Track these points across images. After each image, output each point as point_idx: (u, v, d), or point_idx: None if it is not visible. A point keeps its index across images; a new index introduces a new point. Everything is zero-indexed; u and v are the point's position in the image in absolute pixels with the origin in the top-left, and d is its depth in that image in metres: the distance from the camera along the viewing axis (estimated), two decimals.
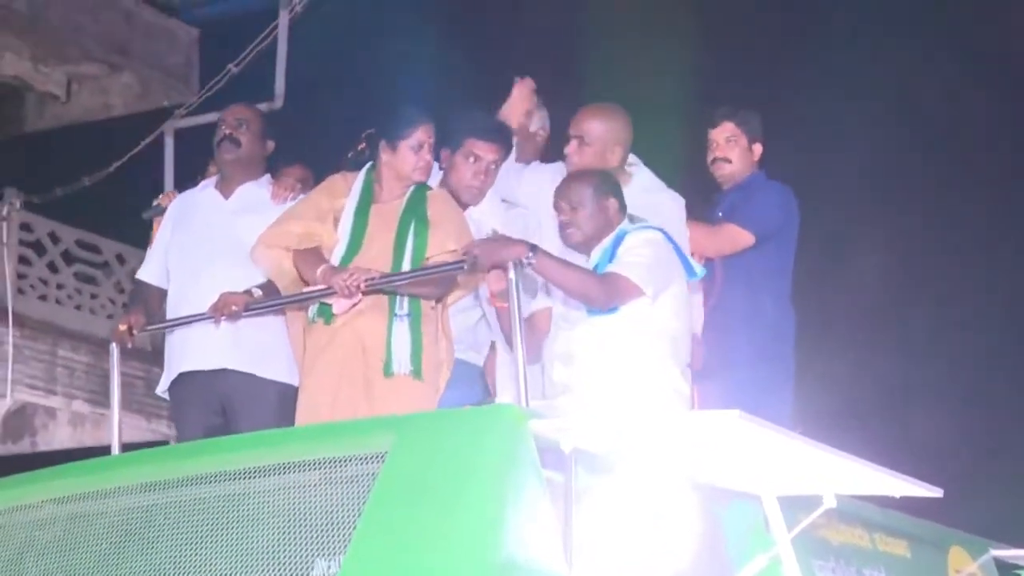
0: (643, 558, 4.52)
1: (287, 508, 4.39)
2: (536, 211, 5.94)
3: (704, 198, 6.42)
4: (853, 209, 13.74)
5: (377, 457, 4.31)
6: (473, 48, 14.05)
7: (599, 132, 5.91)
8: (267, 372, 5.91)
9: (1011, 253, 14.07)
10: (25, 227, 14.04)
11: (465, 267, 5.20)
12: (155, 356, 6.26)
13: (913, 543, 6.06)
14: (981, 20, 14.06)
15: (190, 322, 5.89)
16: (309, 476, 4.41)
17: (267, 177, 6.24)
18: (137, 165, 13.83)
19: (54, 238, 14.29)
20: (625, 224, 5.44)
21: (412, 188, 5.72)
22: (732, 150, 6.42)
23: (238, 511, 4.45)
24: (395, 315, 5.51)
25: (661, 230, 5.43)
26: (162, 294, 6.22)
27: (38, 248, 14.15)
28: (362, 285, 5.36)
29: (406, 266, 5.55)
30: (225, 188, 6.22)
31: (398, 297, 5.52)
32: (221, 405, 5.95)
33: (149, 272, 6.30)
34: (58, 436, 14.10)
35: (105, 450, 5.93)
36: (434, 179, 5.83)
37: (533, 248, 5.06)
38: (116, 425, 5.80)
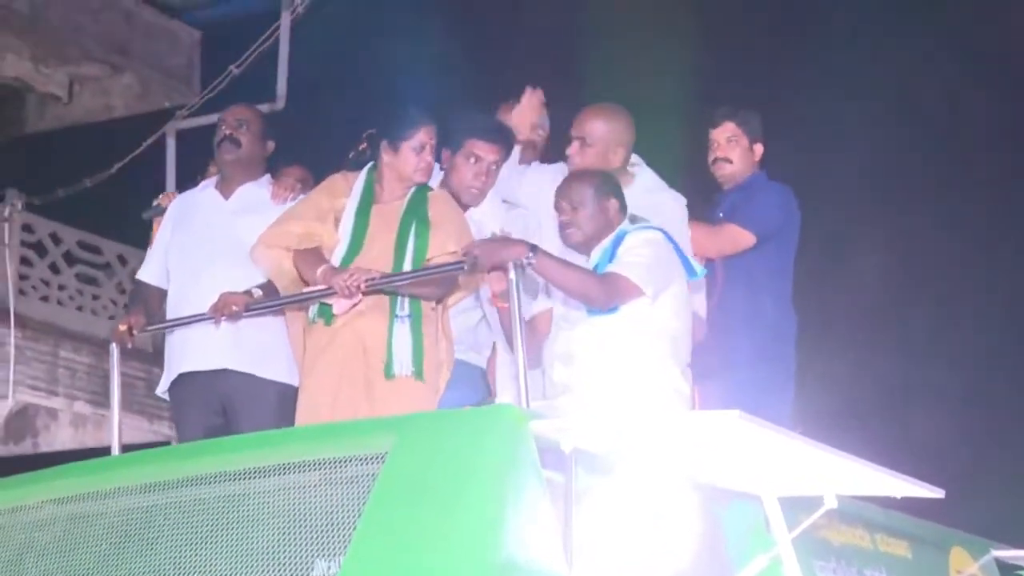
0: (643, 558, 4.51)
1: (287, 509, 4.39)
2: (537, 212, 5.93)
3: (705, 198, 6.42)
4: (853, 209, 13.74)
5: (377, 458, 4.31)
6: (474, 48, 14.06)
7: (601, 133, 5.91)
8: (267, 372, 5.91)
9: (1011, 253, 14.07)
10: (27, 228, 14.05)
11: (465, 267, 5.20)
12: (156, 357, 6.27)
13: (914, 544, 6.05)
14: (981, 20, 14.06)
15: (190, 322, 5.89)
16: (309, 476, 4.40)
17: (267, 177, 6.24)
18: (139, 166, 13.84)
19: (56, 239, 14.29)
20: (625, 224, 5.44)
21: (413, 189, 5.71)
22: (733, 150, 6.42)
23: (238, 511, 4.44)
24: (396, 316, 5.51)
25: (661, 230, 5.43)
26: (162, 294, 6.22)
27: (40, 249, 14.16)
28: (362, 285, 5.36)
29: (407, 267, 5.54)
30: (225, 188, 6.22)
31: (399, 298, 5.51)
32: (221, 405, 5.95)
33: (149, 272, 6.31)
34: (60, 437, 14.11)
35: (106, 451, 5.92)
36: (434, 180, 5.83)
37: (533, 248, 5.06)
38: (116, 426, 5.81)
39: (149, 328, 6.04)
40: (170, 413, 6.43)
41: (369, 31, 14.77)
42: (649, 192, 5.93)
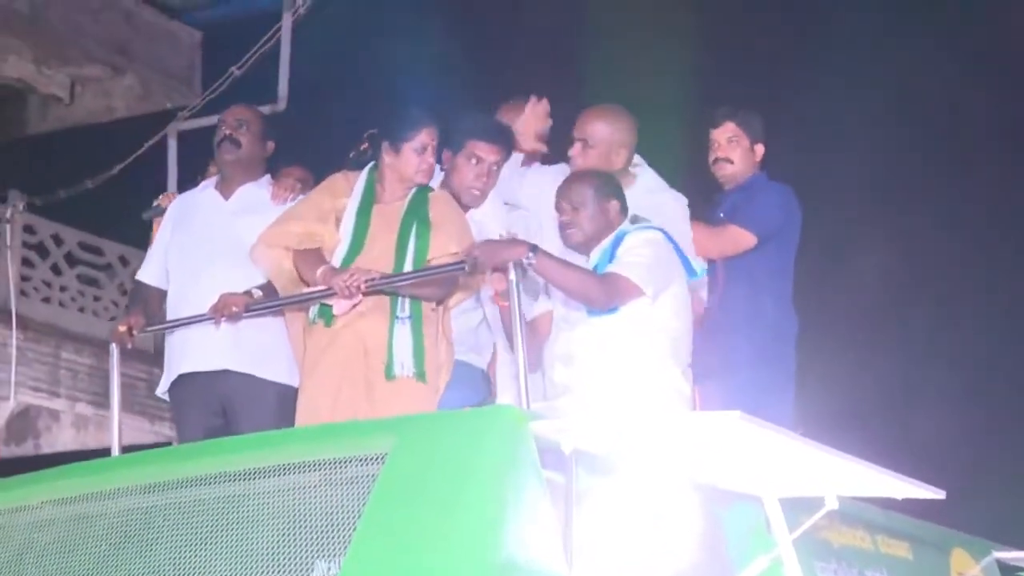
0: (644, 559, 4.51)
1: (287, 509, 4.38)
2: (537, 213, 5.93)
3: (705, 198, 6.41)
4: (854, 210, 13.74)
5: (377, 458, 4.30)
6: (475, 49, 14.05)
7: (603, 134, 5.90)
8: (267, 373, 5.91)
9: (1012, 253, 14.06)
10: (28, 229, 14.06)
11: (466, 268, 5.20)
12: (157, 358, 6.27)
13: (915, 545, 6.05)
14: (982, 20, 14.06)
15: (190, 323, 5.89)
16: (309, 477, 4.39)
17: (267, 178, 6.24)
18: (140, 167, 13.83)
19: (57, 240, 14.30)
20: (625, 224, 5.44)
21: (414, 189, 5.71)
22: (734, 150, 6.42)
23: (238, 512, 4.43)
24: (396, 317, 5.50)
25: (661, 230, 5.43)
26: (162, 295, 6.22)
27: (41, 250, 14.16)
28: (362, 286, 5.36)
29: (408, 268, 5.54)
30: (225, 189, 6.22)
31: (399, 299, 5.51)
32: (221, 406, 5.95)
33: (149, 273, 6.30)
34: (61, 438, 14.10)
35: (108, 452, 5.92)
36: (435, 180, 5.82)
37: (533, 249, 5.06)
38: (116, 426, 5.81)
39: (149, 329, 6.04)
40: (170, 414, 6.42)
41: (370, 32, 14.77)
42: (651, 192, 5.93)
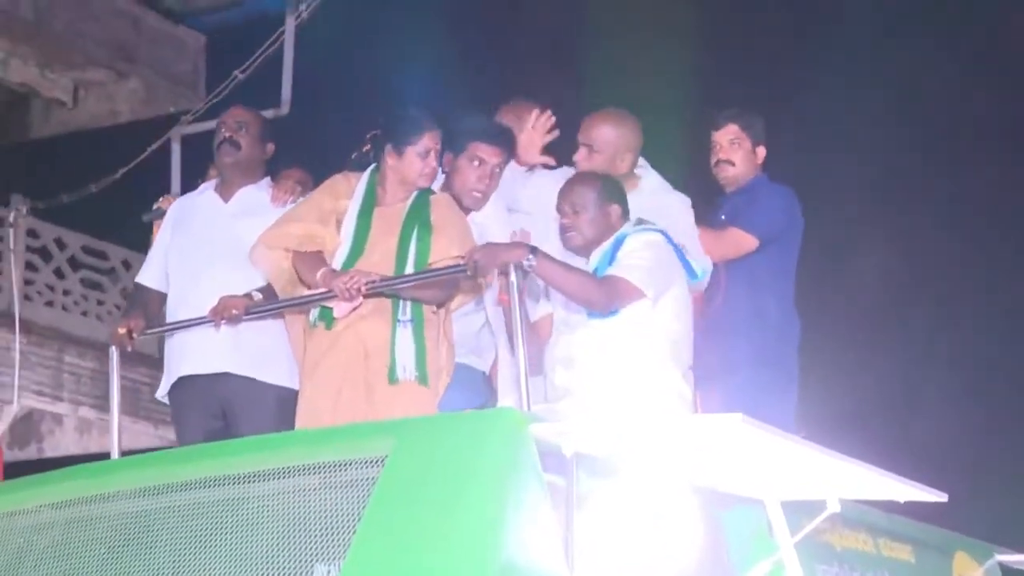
0: (645, 563, 4.49)
1: (287, 512, 4.37)
2: (538, 216, 5.91)
3: (707, 200, 6.40)
4: (856, 211, 13.73)
5: (377, 461, 4.29)
6: (477, 53, 14.07)
7: (609, 139, 5.89)
8: (267, 376, 5.90)
9: (1013, 254, 14.04)
10: (32, 233, 14.08)
11: (468, 271, 5.19)
12: (161, 362, 6.27)
13: (917, 548, 6.04)
14: (984, 20, 14.05)
15: (190, 325, 5.88)
16: (309, 480, 4.39)
17: (267, 180, 6.23)
18: (144, 172, 13.84)
19: (60, 244, 14.32)
20: (626, 227, 5.42)
21: (415, 192, 5.70)
22: (735, 152, 6.40)
23: (237, 515, 4.42)
24: (398, 320, 5.49)
25: (662, 232, 5.41)
26: (162, 298, 6.21)
27: (44, 254, 14.17)
28: (363, 288, 5.35)
29: (409, 271, 5.53)
30: (225, 191, 6.21)
31: (401, 302, 5.50)
32: (221, 409, 5.94)
33: (149, 276, 6.29)
34: (64, 442, 14.12)
35: (110, 456, 5.92)
36: (436, 183, 5.81)
37: (533, 251, 5.05)
38: (115, 429, 5.79)
39: (149, 331, 6.02)
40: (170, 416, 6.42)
41: (373, 36, 14.79)
42: (655, 194, 5.92)
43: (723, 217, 6.32)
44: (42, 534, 4.81)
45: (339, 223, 5.66)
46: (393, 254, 5.57)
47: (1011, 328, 13.86)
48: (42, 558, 4.74)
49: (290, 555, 4.27)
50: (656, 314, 5.25)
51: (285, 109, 13.17)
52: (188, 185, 6.62)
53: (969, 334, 14.02)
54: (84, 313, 14.36)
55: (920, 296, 14.09)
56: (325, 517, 4.28)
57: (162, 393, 6.15)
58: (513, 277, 4.91)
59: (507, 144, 5.84)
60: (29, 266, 14.01)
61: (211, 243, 6.05)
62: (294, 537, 4.30)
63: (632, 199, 5.64)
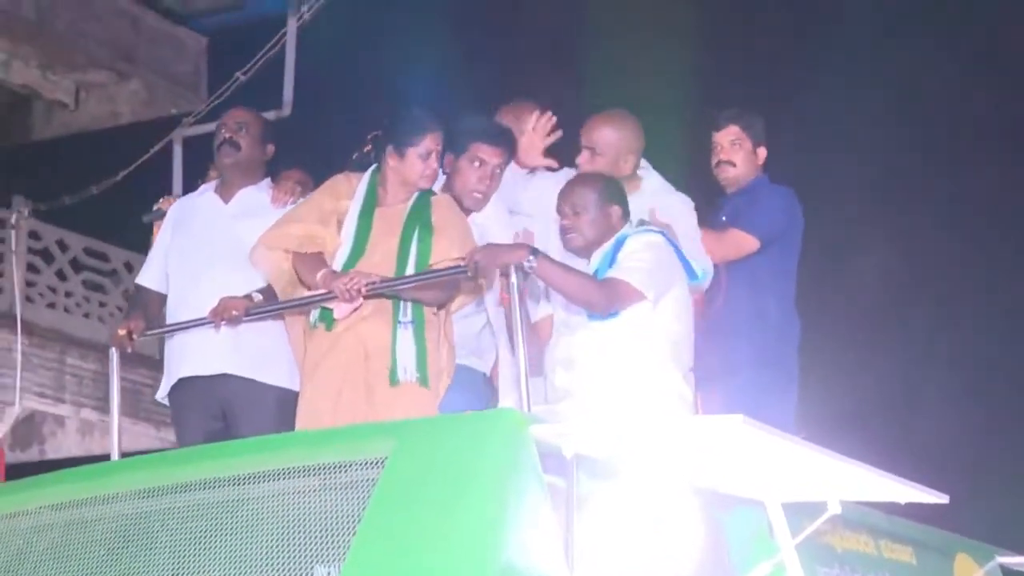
0: (645, 565, 4.49)
1: (286, 514, 4.36)
2: (539, 217, 5.90)
3: (708, 202, 6.39)
4: (856, 212, 13.72)
5: (377, 462, 4.28)
6: (480, 55, 14.06)
7: (611, 141, 5.88)
8: (267, 377, 5.89)
9: (1016, 254, 14.02)
10: (33, 235, 14.09)
11: (468, 272, 5.18)
12: (162, 363, 6.29)
13: (918, 549, 6.03)
14: (984, 20, 14.04)
15: (190, 327, 5.87)
16: (309, 481, 4.38)
17: (267, 181, 6.22)
18: (145, 173, 13.84)
19: (62, 246, 14.33)
20: (627, 228, 5.42)
21: (416, 193, 5.69)
22: (736, 153, 6.40)
23: (237, 517, 4.42)
24: (399, 322, 5.48)
25: (662, 233, 5.40)
26: (162, 299, 6.20)
27: (46, 256, 14.18)
28: (363, 289, 5.34)
29: (409, 272, 5.52)
30: (225, 192, 6.20)
31: (401, 303, 5.49)
32: (221, 410, 5.93)
33: (149, 277, 6.29)
34: (66, 444, 14.13)
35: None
36: (437, 184, 5.80)
37: (534, 252, 5.04)
38: (115, 431, 5.78)
39: (149, 332, 6.02)
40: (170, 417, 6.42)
41: (375, 38, 14.79)
42: (657, 195, 5.91)
43: (724, 218, 6.32)
44: (42, 535, 4.81)
45: (340, 224, 5.66)
46: (394, 255, 5.56)
47: (1012, 328, 13.85)
48: (42, 559, 4.73)
49: (290, 556, 4.27)
50: (656, 315, 5.24)
51: (287, 111, 13.17)
52: (190, 187, 6.62)
53: (969, 334, 14.01)
54: (86, 315, 14.36)
55: (920, 296, 14.08)
56: (325, 518, 4.27)
57: (162, 394, 6.14)
58: (514, 278, 4.90)
59: (508, 145, 5.84)
60: (31, 268, 14.02)
61: (211, 244, 6.04)
62: (294, 538, 4.29)
63: (634, 200, 5.63)
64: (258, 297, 5.72)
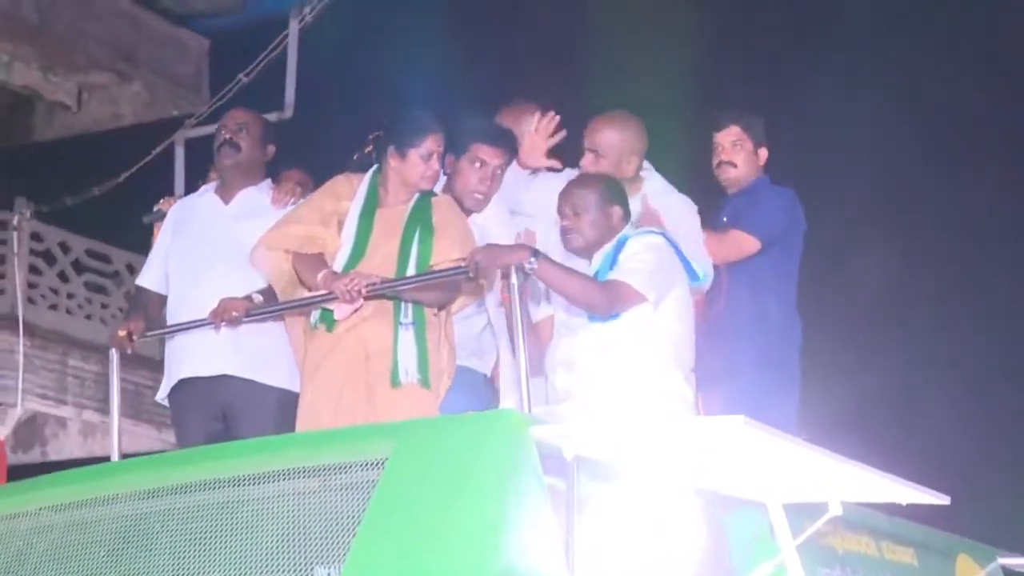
0: (646, 566, 4.48)
1: (287, 515, 4.37)
2: (541, 219, 5.90)
3: (708, 202, 6.38)
4: (856, 212, 13.70)
5: (377, 464, 4.29)
6: (482, 56, 14.05)
7: (614, 142, 5.88)
8: (268, 378, 5.89)
9: (1019, 256, 14.01)
10: (35, 237, 14.07)
11: (469, 273, 5.18)
12: (163, 365, 6.30)
13: (920, 551, 6.02)
14: (984, 20, 14.03)
15: (190, 328, 5.87)
16: (309, 483, 4.39)
17: (267, 182, 6.22)
18: (147, 175, 13.81)
19: (64, 248, 14.32)
20: (627, 229, 5.41)
21: (417, 194, 5.69)
22: (737, 154, 6.40)
23: (237, 518, 4.42)
24: (400, 323, 5.48)
25: (663, 234, 5.40)
26: (162, 300, 6.20)
27: (48, 258, 14.17)
28: (363, 290, 5.33)
29: (410, 273, 5.51)
30: (225, 193, 6.20)
31: (402, 305, 5.49)
32: (221, 411, 5.93)
33: (149, 278, 6.29)
34: (68, 446, 14.12)
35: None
36: (437, 184, 5.80)
37: (535, 253, 5.03)
38: (116, 432, 5.78)
39: (149, 333, 6.01)
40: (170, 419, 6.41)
41: (377, 40, 14.78)
42: (658, 196, 5.91)
43: (725, 219, 6.32)
44: (42, 536, 4.81)
45: (340, 224, 5.65)
46: (395, 256, 5.56)
47: (1013, 329, 13.84)
48: (42, 561, 4.73)
49: (290, 558, 4.27)
50: (658, 317, 5.23)
51: (289, 112, 13.15)
52: (191, 188, 6.62)
53: (971, 335, 14.00)
54: (88, 316, 14.35)
55: (920, 297, 14.07)
56: (325, 520, 4.27)
57: (162, 395, 6.14)
58: (514, 279, 4.90)
59: (509, 145, 5.84)
60: (33, 269, 14.01)
61: (211, 245, 6.04)
62: (294, 540, 4.30)
63: (635, 202, 5.63)
64: (258, 298, 5.71)
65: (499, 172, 5.80)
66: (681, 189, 6.06)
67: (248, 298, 5.71)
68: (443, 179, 5.85)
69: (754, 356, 6.05)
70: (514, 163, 6.02)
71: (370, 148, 5.88)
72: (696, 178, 6.41)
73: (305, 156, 6.69)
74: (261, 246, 5.69)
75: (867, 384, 12.80)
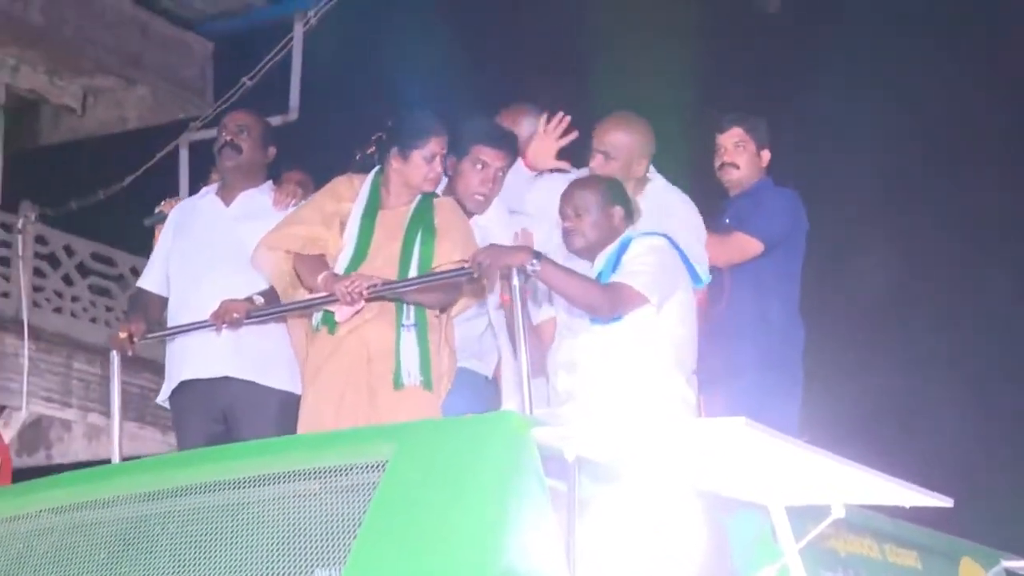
0: (647, 569, 4.47)
1: (287, 517, 4.36)
2: (543, 220, 5.89)
3: (710, 203, 6.38)
4: (858, 213, 13.70)
5: (378, 466, 4.28)
6: (486, 58, 14.06)
7: (624, 144, 5.87)
8: (269, 380, 5.88)
9: (1020, 257, 14.00)
10: (40, 240, 14.10)
11: (474, 273, 5.17)
12: None
13: (923, 554, 6.00)
14: (984, 21, 14.03)
15: (191, 330, 5.86)
16: (309, 485, 4.38)
17: (268, 183, 6.22)
18: (152, 178, 13.84)
19: (69, 251, 14.34)
20: (630, 230, 5.40)
21: (419, 196, 5.68)
22: (740, 155, 6.40)
23: (237, 520, 4.42)
24: (402, 325, 5.47)
25: (666, 236, 5.39)
26: (163, 302, 6.19)
27: (53, 261, 14.20)
28: (364, 292, 5.33)
29: (412, 275, 5.51)
30: (226, 195, 6.20)
31: (404, 306, 5.48)
32: (222, 413, 5.92)
33: (150, 280, 6.29)
34: (73, 449, 14.14)
35: None
36: (439, 186, 5.80)
37: (538, 255, 5.02)
38: (116, 434, 5.76)
39: (150, 335, 6.00)
40: (171, 421, 6.41)
41: (381, 42, 14.79)
42: (662, 197, 5.90)
43: (727, 221, 6.31)
44: (42, 539, 4.80)
45: (342, 225, 5.64)
46: (396, 258, 5.55)
47: (1013, 329, 13.83)
48: (42, 563, 4.73)
49: (291, 560, 4.26)
50: (660, 319, 5.22)
51: (294, 115, 13.18)
52: (196, 192, 6.61)
53: (975, 338, 14.00)
54: (93, 320, 14.37)
55: (923, 299, 14.08)
56: (326, 522, 4.27)
57: (163, 397, 6.13)
58: (515, 280, 4.89)
59: (510, 147, 5.84)
60: (38, 273, 14.03)
61: (212, 247, 6.04)
62: (295, 542, 4.29)
63: (640, 202, 5.63)
64: (259, 300, 5.70)
65: (500, 174, 5.79)
66: (683, 191, 6.05)
67: (249, 300, 5.70)
68: (444, 180, 5.84)
69: (757, 357, 6.04)
70: (520, 164, 6.02)
71: (372, 149, 5.87)
72: (698, 180, 6.40)
73: (310, 159, 6.68)
74: (262, 247, 5.68)
75: (868, 385, 12.80)
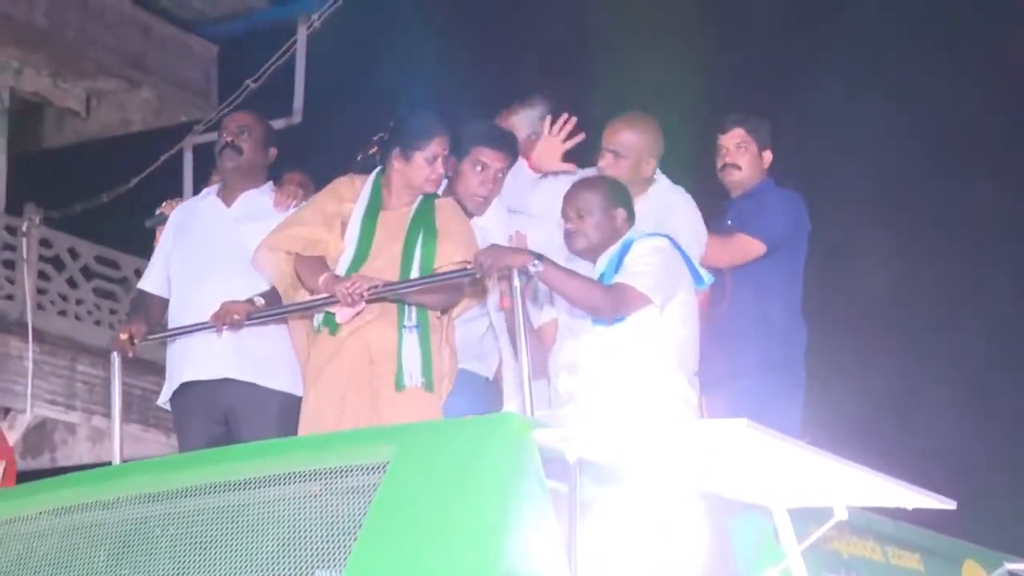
0: (649, 570, 4.46)
1: (288, 518, 4.35)
2: (546, 221, 5.88)
3: (712, 204, 6.37)
4: (858, 213, 13.70)
5: (378, 467, 4.28)
6: (489, 60, 14.07)
7: (633, 143, 5.88)
8: (270, 382, 5.87)
9: (1020, 257, 13.99)
10: (44, 243, 14.13)
11: (476, 274, 5.16)
12: None
13: (926, 556, 6.00)
14: (984, 21, 14.03)
15: (192, 331, 5.85)
16: (310, 486, 4.37)
17: (269, 184, 6.21)
18: (156, 181, 13.86)
19: (73, 254, 14.36)
20: (632, 232, 5.39)
21: (420, 197, 5.68)
22: (742, 156, 6.39)
23: (238, 521, 4.41)
24: (404, 326, 5.46)
25: (668, 237, 5.38)
26: (164, 303, 6.19)
27: (57, 264, 14.22)
28: (365, 293, 5.32)
29: (414, 276, 5.50)
30: (227, 196, 6.19)
31: (406, 308, 5.47)
32: (223, 415, 5.92)
33: (150, 281, 6.29)
34: (77, 451, 14.14)
35: None
36: (440, 187, 5.79)
37: (539, 257, 5.02)
38: (117, 435, 5.74)
39: (151, 337, 6.00)
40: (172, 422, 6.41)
41: (385, 45, 14.80)
42: (663, 197, 5.90)
43: (729, 222, 6.31)
44: (42, 540, 4.80)
45: (343, 226, 5.64)
46: (398, 259, 5.54)
47: (1014, 329, 13.82)
48: (42, 564, 4.72)
49: (291, 561, 4.26)
50: (663, 320, 5.21)
51: (297, 118, 13.20)
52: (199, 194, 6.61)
53: (978, 340, 13.99)
54: (97, 322, 14.39)
55: (925, 300, 14.07)
56: (327, 523, 4.26)
57: (164, 399, 6.13)
58: (516, 281, 4.88)
59: (510, 148, 5.83)
60: (42, 275, 14.05)
61: (213, 248, 6.03)
62: (295, 543, 4.28)
63: (644, 204, 5.63)
64: (260, 301, 5.69)
65: (500, 175, 5.79)
66: (685, 191, 6.04)
67: (250, 301, 5.69)
68: (444, 181, 5.83)
69: (759, 359, 6.04)
70: (524, 165, 6.02)
71: (374, 149, 5.86)
72: (700, 181, 6.40)
73: (314, 162, 6.68)
74: (263, 248, 5.67)
75: (872, 387, 12.79)
